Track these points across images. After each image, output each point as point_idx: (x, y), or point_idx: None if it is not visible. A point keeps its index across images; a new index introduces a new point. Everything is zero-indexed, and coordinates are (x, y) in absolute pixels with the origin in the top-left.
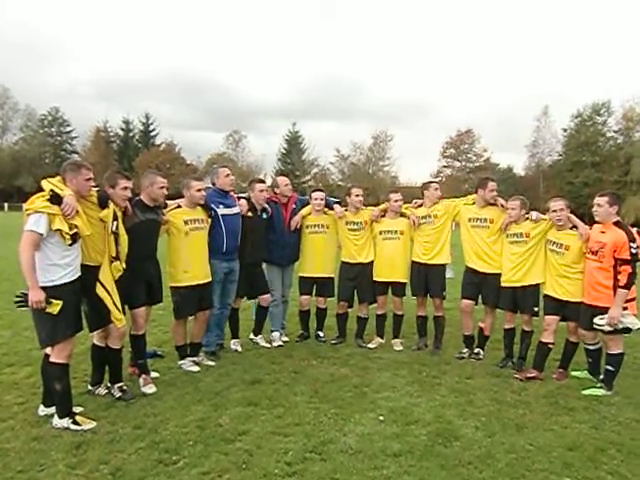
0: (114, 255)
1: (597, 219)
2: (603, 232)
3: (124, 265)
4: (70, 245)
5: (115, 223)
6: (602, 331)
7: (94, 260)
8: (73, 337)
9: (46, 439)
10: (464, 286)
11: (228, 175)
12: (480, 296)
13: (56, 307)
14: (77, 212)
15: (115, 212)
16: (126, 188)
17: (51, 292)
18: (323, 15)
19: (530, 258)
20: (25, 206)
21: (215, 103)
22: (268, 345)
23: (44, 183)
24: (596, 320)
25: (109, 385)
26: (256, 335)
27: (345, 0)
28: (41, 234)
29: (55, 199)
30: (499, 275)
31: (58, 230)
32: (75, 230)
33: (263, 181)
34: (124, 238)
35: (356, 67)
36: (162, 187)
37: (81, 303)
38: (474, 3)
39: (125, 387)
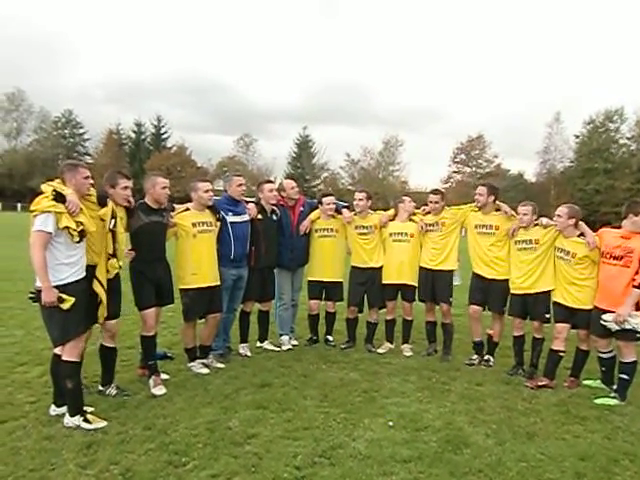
0: (111, 252)
1: (629, 229)
2: (627, 238)
3: (121, 263)
4: (78, 242)
5: (113, 221)
6: (609, 330)
7: (90, 260)
8: (84, 335)
9: (57, 438)
10: (471, 292)
11: (240, 185)
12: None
13: (68, 303)
14: (81, 209)
15: (113, 210)
16: (127, 187)
17: (61, 291)
18: (334, 20)
19: (540, 265)
20: (31, 208)
21: (226, 106)
22: (277, 348)
23: (44, 186)
24: (604, 316)
25: (119, 386)
26: (262, 342)
27: (356, 5)
28: (50, 233)
29: (59, 197)
30: (504, 281)
31: (66, 228)
32: (81, 227)
33: (272, 181)
34: (122, 236)
35: (367, 72)
36: (164, 187)
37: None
38: (486, 9)
39: (117, 385)
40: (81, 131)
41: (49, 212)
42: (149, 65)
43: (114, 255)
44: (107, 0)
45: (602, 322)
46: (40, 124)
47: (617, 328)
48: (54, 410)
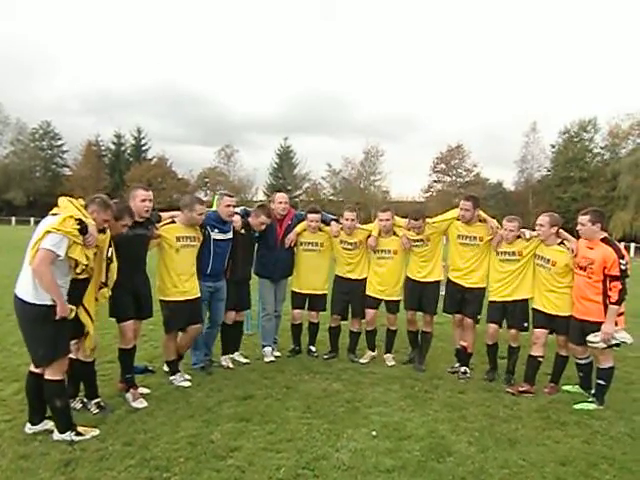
0: (103, 281)
1: (583, 237)
2: (591, 248)
3: (110, 292)
4: (78, 274)
5: (110, 250)
6: (595, 348)
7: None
8: (69, 354)
9: (34, 457)
10: (452, 302)
11: (228, 206)
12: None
13: (73, 312)
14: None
15: (110, 239)
16: (126, 225)
17: (49, 310)
18: (313, 29)
19: (521, 274)
20: (52, 221)
21: (207, 117)
22: (246, 360)
23: (64, 201)
24: (590, 338)
25: (85, 400)
26: (232, 353)
27: (336, 15)
28: (59, 256)
29: (83, 230)
30: (481, 289)
31: (73, 259)
32: (87, 262)
33: (267, 213)
34: (114, 265)
35: (347, 82)
36: (143, 200)
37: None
38: (463, 20)
39: (102, 403)
40: (59, 143)
41: (67, 236)
42: (127, 76)
43: (106, 284)
44: (84, 11)
45: (589, 344)
46: (17, 136)
47: (604, 346)
48: (30, 428)
